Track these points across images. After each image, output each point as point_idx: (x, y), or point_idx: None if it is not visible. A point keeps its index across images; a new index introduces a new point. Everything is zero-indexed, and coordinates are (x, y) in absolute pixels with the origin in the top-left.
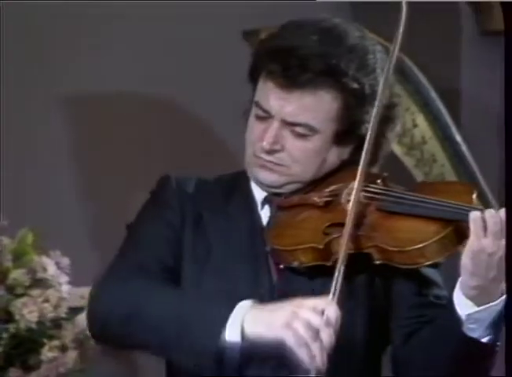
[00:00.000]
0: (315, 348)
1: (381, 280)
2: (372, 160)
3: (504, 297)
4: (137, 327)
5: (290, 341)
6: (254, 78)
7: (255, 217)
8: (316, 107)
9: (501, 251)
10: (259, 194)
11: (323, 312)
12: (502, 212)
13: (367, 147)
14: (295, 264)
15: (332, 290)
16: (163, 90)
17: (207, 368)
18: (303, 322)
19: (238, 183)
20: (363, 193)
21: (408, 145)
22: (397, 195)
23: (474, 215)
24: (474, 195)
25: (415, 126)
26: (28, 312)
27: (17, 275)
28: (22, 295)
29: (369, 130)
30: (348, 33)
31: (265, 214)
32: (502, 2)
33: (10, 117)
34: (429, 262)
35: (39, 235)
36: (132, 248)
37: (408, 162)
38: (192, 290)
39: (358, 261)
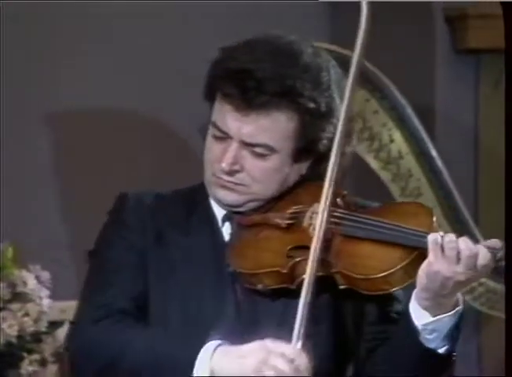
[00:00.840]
0: None
1: (344, 299)
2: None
3: (459, 308)
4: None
5: None
6: (210, 97)
7: (216, 234)
8: (273, 127)
9: (457, 277)
10: (219, 211)
11: (291, 360)
12: (461, 240)
13: (330, 178)
14: (259, 286)
15: (296, 333)
16: (149, 106)
17: None
18: (273, 369)
19: (197, 199)
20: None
21: (385, 160)
22: (360, 219)
23: (433, 238)
24: (434, 218)
25: (392, 141)
26: (8, 326)
27: None
28: (2, 309)
29: (331, 165)
30: (302, 51)
31: (226, 230)
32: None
33: None
34: (394, 289)
35: (19, 249)
36: (99, 284)
37: (385, 176)
38: (161, 333)
39: (323, 284)
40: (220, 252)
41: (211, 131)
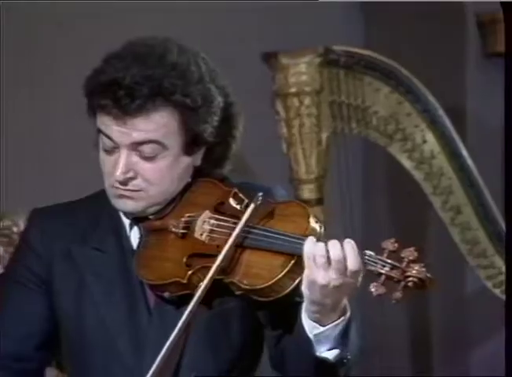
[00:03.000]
0: None
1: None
2: (222, 159)
3: (347, 315)
4: None
5: None
6: (92, 114)
7: (125, 242)
8: (156, 127)
9: (332, 283)
10: (126, 216)
11: None
12: (331, 244)
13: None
14: (166, 294)
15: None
16: None
17: None
18: None
19: (103, 207)
20: (220, 229)
21: (418, 160)
22: (245, 228)
23: (305, 250)
24: (311, 219)
25: (425, 141)
26: None
27: None
28: None
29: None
30: (167, 51)
31: (134, 235)
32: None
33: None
34: (281, 294)
35: None
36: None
37: (418, 175)
38: None
39: (224, 288)
40: (129, 260)
41: (100, 144)
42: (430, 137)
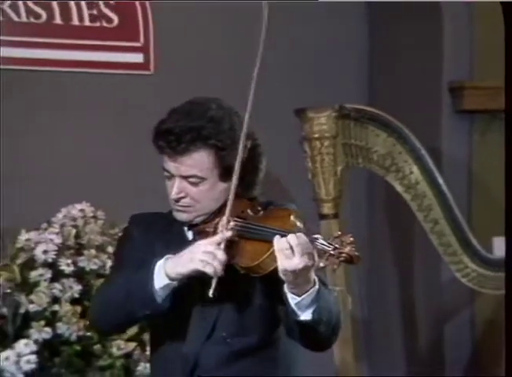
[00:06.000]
0: (216, 264)
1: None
2: (251, 185)
3: (315, 287)
4: (109, 308)
5: (198, 266)
6: (158, 152)
7: (184, 237)
8: (197, 163)
9: (298, 267)
10: (183, 224)
11: (217, 243)
12: (289, 236)
13: (231, 199)
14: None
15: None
16: None
17: (155, 310)
18: (201, 252)
19: (173, 218)
20: (236, 227)
21: (407, 185)
22: (246, 225)
23: (275, 245)
24: (292, 217)
25: (411, 172)
26: None
27: None
28: None
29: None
30: (208, 108)
31: (190, 235)
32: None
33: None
34: (267, 271)
35: None
36: (114, 270)
37: (407, 197)
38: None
39: (234, 269)
40: (187, 246)
41: (164, 173)
42: (415, 169)
